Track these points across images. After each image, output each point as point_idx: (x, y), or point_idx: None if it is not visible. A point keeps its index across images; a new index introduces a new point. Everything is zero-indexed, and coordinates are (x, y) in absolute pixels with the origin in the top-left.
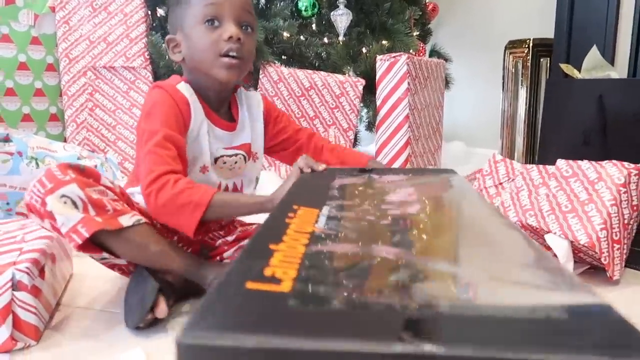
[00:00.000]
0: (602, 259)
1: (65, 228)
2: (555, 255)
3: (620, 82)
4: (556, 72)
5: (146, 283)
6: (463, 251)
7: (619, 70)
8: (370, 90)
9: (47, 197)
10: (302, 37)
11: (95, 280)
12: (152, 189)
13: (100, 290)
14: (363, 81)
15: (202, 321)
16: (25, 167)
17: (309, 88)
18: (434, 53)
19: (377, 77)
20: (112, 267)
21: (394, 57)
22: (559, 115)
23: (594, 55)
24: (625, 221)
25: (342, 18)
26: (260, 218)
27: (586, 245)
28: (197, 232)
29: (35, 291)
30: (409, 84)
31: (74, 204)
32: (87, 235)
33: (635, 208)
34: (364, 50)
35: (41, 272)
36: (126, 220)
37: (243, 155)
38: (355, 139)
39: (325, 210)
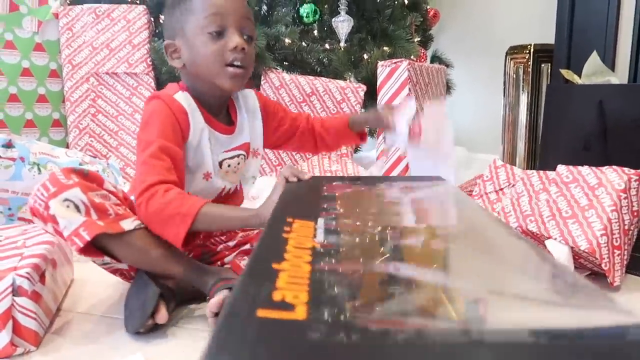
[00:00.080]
0: (603, 265)
1: (67, 231)
2: None
3: (620, 88)
4: (557, 78)
5: (147, 288)
6: (476, 266)
7: (619, 76)
8: (371, 96)
9: (50, 201)
10: (303, 44)
11: (96, 285)
12: (142, 199)
13: (101, 295)
14: (364, 87)
15: (217, 357)
16: (28, 172)
17: (311, 94)
18: (435, 59)
19: (378, 83)
20: (113, 271)
21: (395, 63)
22: (559, 120)
23: (594, 60)
24: (626, 227)
25: (343, 24)
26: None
27: (586, 251)
28: (187, 244)
29: (36, 296)
30: (410, 89)
31: (77, 207)
32: (88, 238)
33: (635, 214)
34: (365, 56)
35: (42, 277)
36: (128, 224)
37: (243, 155)
38: (357, 145)
39: (321, 222)
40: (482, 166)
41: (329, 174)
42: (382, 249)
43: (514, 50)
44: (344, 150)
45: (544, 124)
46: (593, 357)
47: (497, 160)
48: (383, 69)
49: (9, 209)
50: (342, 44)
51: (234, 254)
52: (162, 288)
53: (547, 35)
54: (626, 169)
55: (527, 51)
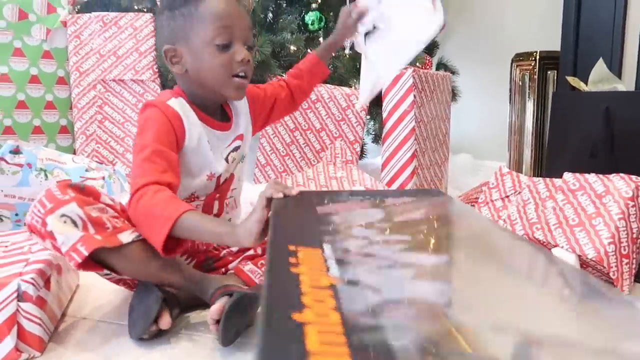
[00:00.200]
0: (611, 274)
1: (65, 247)
2: None
3: (627, 95)
4: (563, 85)
5: (150, 294)
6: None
7: (626, 83)
8: (376, 102)
9: (47, 217)
10: (308, 51)
11: (101, 291)
12: (133, 199)
13: (106, 301)
14: None
15: None
16: (35, 178)
17: (316, 101)
18: (441, 66)
19: (383, 90)
20: (117, 282)
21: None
22: (566, 127)
23: (600, 67)
24: (634, 235)
25: None
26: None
27: (594, 259)
28: (171, 251)
29: (41, 302)
30: (415, 96)
31: (74, 222)
32: (86, 253)
33: None
34: None
35: (47, 283)
36: (126, 237)
37: (241, 143)
38: (362, 151)
39: (328, 250)
40: (488, 173)
41: (334, 181)
42: (405, 283)
43: (520, 57)
44: (349, 157)
45: (551, 131)
46: None
47: (503, 167)
48: None
49: (16, 214)
50: (347, 51)
51: (238, 260)
52: (166, 294)
53: (552, 42)
54: (633, 177)
55: (533, 58)
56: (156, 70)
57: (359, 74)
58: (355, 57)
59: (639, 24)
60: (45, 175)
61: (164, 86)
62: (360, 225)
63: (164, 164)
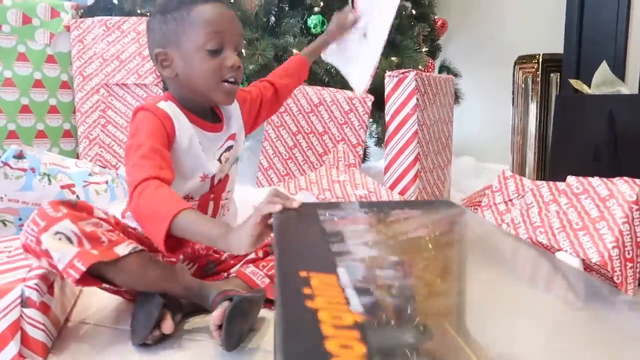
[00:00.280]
0: (615, 278)
1: (61, 264)
2: None
3: (630, 98)
4: (566, 88)
5: (151, 299)
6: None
7: (630, 86)
8: (379, 106)
9: (41, 236)
10: None
11: (104, 296)
12: (135, 193)
13: (109, 306)
14: (372, 97)
15: None
16: (38, 183)
17: (318, 104)
18: (444, 68)
19: (386, 93)
20: (118, 293)
21: (402, 73)
22: (569, 130)
23: (603, 70)
24: (638, 239)
25: None
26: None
27: (598, 263)
28: (175, 249)
29: (44, 308)
30: (417, 99)
31: (69, 239)
32: (83, 269)
33: None
34: None
35: (50, 288)
36: (122, 249)
37: (233, 143)
38: (364, 155)
39: (344, 276)
40: (490, 176)
41: (336, 184)
42: (435, 315)
43: (523, 60)
44: (352, 160)
45: (554, 134)
46: None
47: (506, 170)
48: (390, 79)
49: (20, 219)
50: None
51: (240, 263)
52: (167, 299)
53: (555, 44)
54: (637, 180)
55: (536, 61)
56: (159, 74)
57: None
58: None
59: None
60: (49, 180)
61: (166, 90)
62: (373, 243)
63: (160, 161)
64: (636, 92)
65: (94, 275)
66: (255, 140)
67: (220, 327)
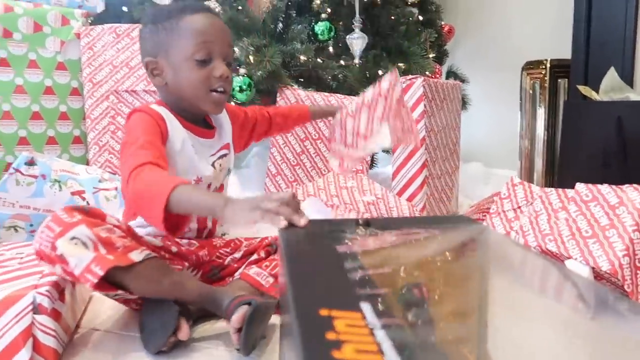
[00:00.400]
0: (625, 287)
1: (78, 269)
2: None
3: (639, 104)
4: (574, 94)
5: (165, 307)
6: None
7: (638, 92)
8: None
9: (57, 241)
10: (319, 60)
11: (114, 303)
12: (130, 178)
13: (119, 313)
14: None
15: None
16: (49, 189)
17: None
18: (451, 74)
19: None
20: (126, 302)
21: (409, 79)
22: (577, 137)
23: (612, 76)
24: None
25: (357, 42)
26: (267, 231)
27: (608, 272)
28: (174, 230)
29: (55, 314)
30: (425, 106)
31: (84, 244)
32: (101, 273)
33: None
34: (380, 72)
35: (61, 295)
36: (137, 255)
37: (227, 153)
38: (372, 161)
39: (369, 314)
40: (498, 181)
41: (344, 190)
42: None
43: (530, 66)
44: (360, 166)
45: (562, 141)
46: None
47: (515, 177)
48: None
49: (31, 225)
50: (356, 61)
51: (243, 266)
52: (180, 306)
53: (563, 50)
54: None
55: (544, 66)
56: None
57: (368, 84)
58: (365, 67)
59: None
60: (59, 186)
61: None
62: (395, 270)
63: (157, 152)
64: None
65: (109, 282)
66: (263, 146)
67: (239, 330)
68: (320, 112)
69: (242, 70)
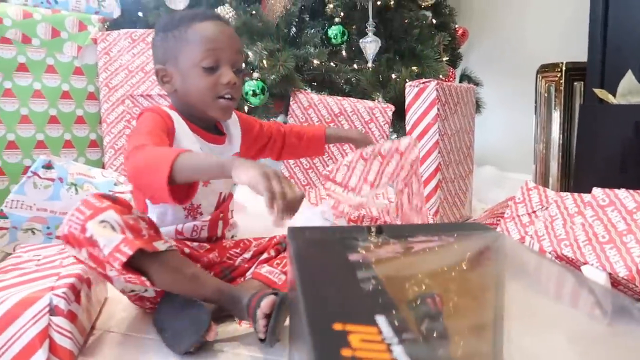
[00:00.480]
0: None
1: (108, 249)
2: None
3: None
4: (590, 97)
5: (194, 307)
6: None
7: None
8: (399, 116)
9: (87, 223)
10: (332, 64)
11: (129, 304)
12: (131, 153)
13: (134, 315)
14: (392, 107)
15: None
16: (65, 192)
17: (339, 114)
18: (465, 77)
19: (407, 103)
20: (141, 300)
21: (423, 83)
22: (593, 141)
23: (629, 79)
24: None
25: (370, 45)
26: (274, 231)
27: (625, 278)
28: (181, 199)
29: (71, 316)
30: (438, 109)
31: (113, 228)
32: (130, 252)
33: None
34: (393, 76)
35: (77, 297)
36: (161, 245)
37: None
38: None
39: (385, 327)
40: (513, 185)
41: None
42: None
43: (545, 69)
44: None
45: (578, 145)
46: None
47: (530, 182)
48: (411, 89)
49: (47, 227)
50: (369, 65)
51: (254, 266)
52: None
53: (578, 53)
54: None
55: (559, 69)
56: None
57: (382, 87)
58: (378, 71)
59: None
60: (76, 190)
61: None
62: (408, 280)
63: (160, 141)
64: None
65: (134, 268)
66: None
67: (267, 316)
68: (336, 136)
69: (255, 74)
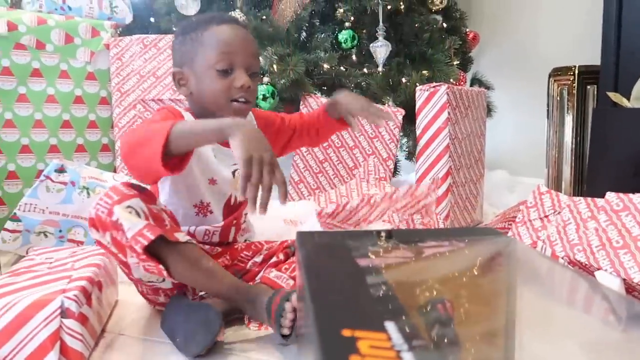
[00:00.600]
0: None
1: (131, 232)
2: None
3: None
4: (603, 100)
5: (204, 307)
6: None
7: None
8: (410, 119)
9: (114, 207)
10: (342, 68)
11: (140, 307)
12: (126, 134)
13: (144, 318)
14: (402, 111)
15: None
16: (78, 196)
17: None
18: (475, 81)
19: (417, 107)
20: (155, 292)
21: (433, 87)
22: (607, 145)
23: None
24: None
25: (381, 49)
26: (284, 235)
27: None
28: (175, 166)
29: (82, 318)
30: (449, 113)
31: (138, 214)
32: (152, 237)
33: None
34: (403, 80)
35: (88, 299)
36: (181, 236)
37: None
38: (395, 169)
39: (395, 334)
40: (525, 190)
41: None
42: None
43: (558, 72)
44: (382, 174)
45: (591, 149)
46: None
47: (542, 186)
48: (421, 93)
49: (60, 231)
50: (380, 69)
51: (263, 270)
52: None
53: (591, 56)
54: None
55: (572, 73)
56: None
57: (392, 91)
58: (388, 75)
59: None
60: (88, 193)
61: None
62: (418, 286)
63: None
64: None
65: (153, 256)
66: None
67: (295, 310)
68: (330, 106)
69: (265, 79)
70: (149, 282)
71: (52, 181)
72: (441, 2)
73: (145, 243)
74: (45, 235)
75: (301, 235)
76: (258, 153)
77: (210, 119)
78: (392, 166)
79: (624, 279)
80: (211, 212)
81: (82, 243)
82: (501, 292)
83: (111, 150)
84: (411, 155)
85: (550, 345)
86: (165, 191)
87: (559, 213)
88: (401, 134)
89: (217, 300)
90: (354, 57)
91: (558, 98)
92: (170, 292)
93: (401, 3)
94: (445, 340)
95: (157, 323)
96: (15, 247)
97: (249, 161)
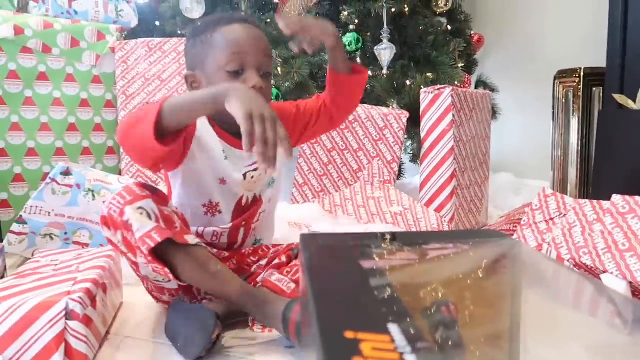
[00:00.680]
0: None
1: (139, 233)
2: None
3: None
4: (609, 103)
5: (199, 312)
6: None
7: None
8: (414, 122)
9: (126, 207)
10: None
11: (144, 309)
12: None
13: (149, 319)
14: (407, 114)
15: None
16: (83, 199)
17: (353, 121)
18: (480, 83)
19: (422, 109)
20: (161, 291)
21: (438, 89)
22: (613, 147)
23: None
24: None
25: (385, 52)
26: (288, 237)
27: None
28: (169, 142)
29: (87, 320)
30: (453, 116)
31: (149, 215)
32: (159, 239)
33: None
34: (408, 82)
35: (93, 301)
36: (191, 239)
37: None
38: (400, 171)
39: (398, 336)
40: (530, 192)
41: (371, 201)
42: None
43: (563, 74)
44: (387, 177)
45: (597, 151)
46: None
47: (547, 188)
48: (426, 95)
49: (65, 233)
50: (384, 71)
51: (264, 271)
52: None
53: (597, 58)
54: None
55: (577, 75)
56: None
57: (396, 94)
58: (393, 77)
59: None
60: (93, 196)
61: None
62: (422, 288)
63: None
64: None
65: (160, 258)
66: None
67: None
68: (332, 60)
69: None
70: (155, 280)
71: (58, 184)
72: (446, 5)
73: (152, 245)
74: (51, 238)
75: (305, 237)
76: (258, 110)
77: (206, 89)
78: (396, 169)
79: (630, 282)
80: (220, 212)
81: (87, 245)
82: (506, 295)
83: (116, 153)
84: (416, 158)
85: (555, 349)
86: (176, 190)
87: (564, 215)
88: (406, 136)
89: (218, 301)
90: (358, 59)
91: (563, 100)
92: (175, 292)
93: (405, 6)
94: (450, 343)
95: (161, 325)
96: (21, 250)
97: (249, 117)
